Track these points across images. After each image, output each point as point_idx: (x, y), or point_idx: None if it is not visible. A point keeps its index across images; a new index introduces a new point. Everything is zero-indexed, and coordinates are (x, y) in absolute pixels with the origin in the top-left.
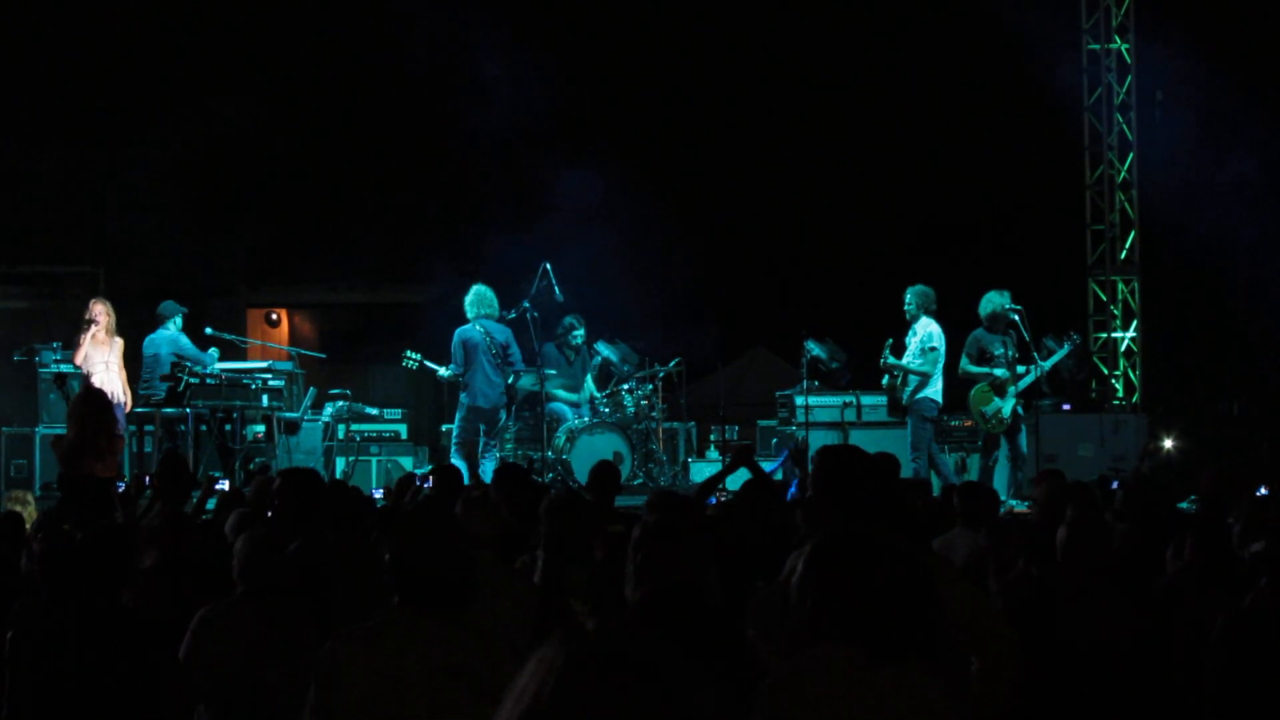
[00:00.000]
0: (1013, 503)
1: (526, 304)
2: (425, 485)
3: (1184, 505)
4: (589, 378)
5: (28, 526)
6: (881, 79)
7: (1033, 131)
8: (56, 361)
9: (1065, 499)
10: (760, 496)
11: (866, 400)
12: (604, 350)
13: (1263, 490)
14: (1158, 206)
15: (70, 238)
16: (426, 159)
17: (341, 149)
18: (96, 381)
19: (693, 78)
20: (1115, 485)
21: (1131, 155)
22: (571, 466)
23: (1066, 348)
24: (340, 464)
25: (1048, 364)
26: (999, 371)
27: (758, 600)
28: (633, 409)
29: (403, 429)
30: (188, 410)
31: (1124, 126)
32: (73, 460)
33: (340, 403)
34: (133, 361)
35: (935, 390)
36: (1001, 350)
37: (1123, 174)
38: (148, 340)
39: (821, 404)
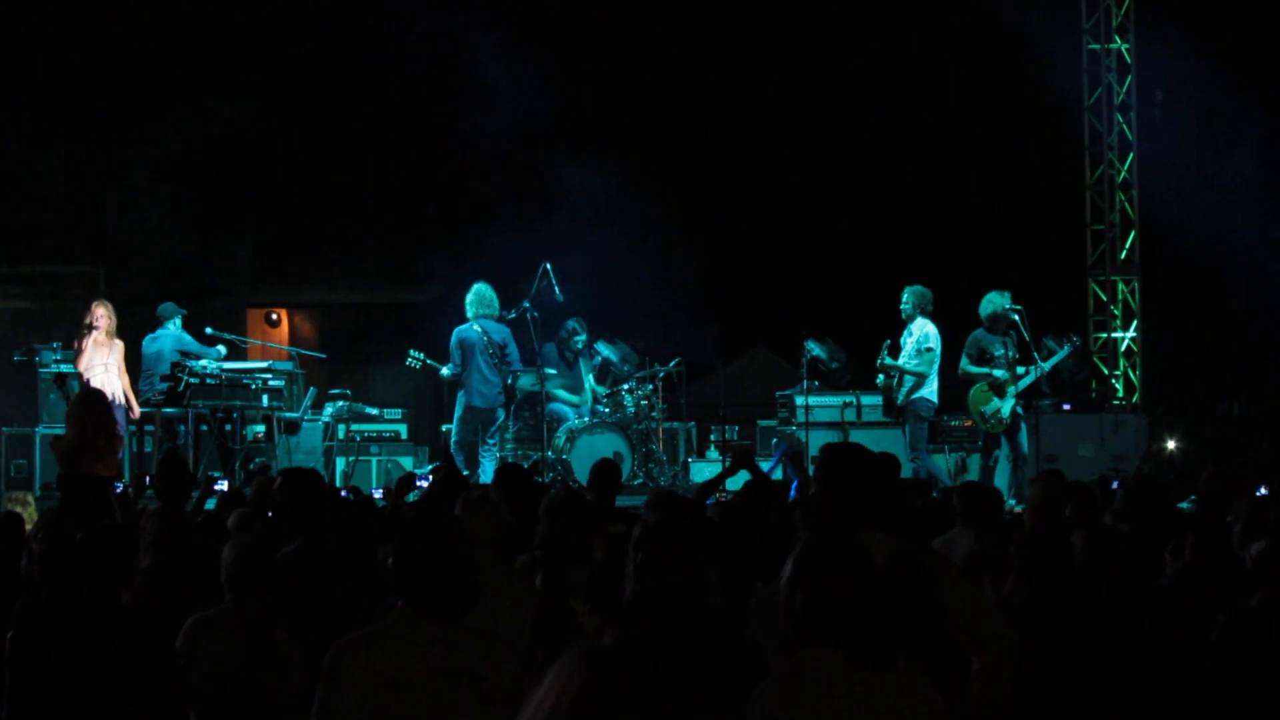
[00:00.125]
0: (1013, 503)
1: (527, 304)
2: (422, 484)
3: (1184, 505)
4: (590, 377)
5: (28, 527)
6: (882, 79)
7: (1033, 131)
8: (56, 362)
9: (1059, 501)
10: (760, 497)
11: (866, 400)
12: (604, 350)
13: (1263, 490)
14: (1158, 206)
15: (70, 238)
16: (426, 159)
17: (341, 149)
18: (96, 383)
19: (693, 78)
20: (1115, 485)
21: (1131, 155)
22: (571, 466)
23: (1067, 349)
24: (340, 464)
25: (1048, 365)
26: (998, 372)
27: (758, 600)
28: (633, 409)
29: (403, 429)
30: (188, 410)
31: (1124, 126)
32: (72, 460)
33: (340, 403)
34: (132, 362)
35: (931, 391)
36: (1001, 351)
37: (1123, 174)
38: (148, 339)
39: (821, 404)
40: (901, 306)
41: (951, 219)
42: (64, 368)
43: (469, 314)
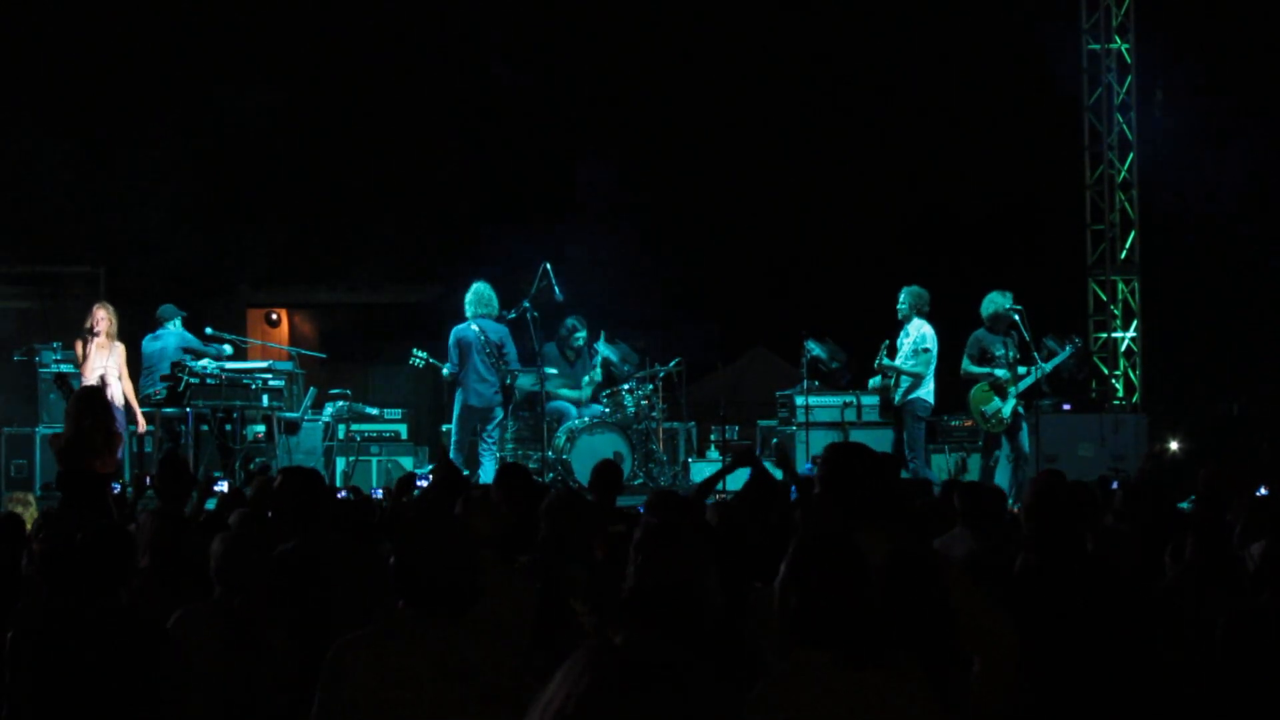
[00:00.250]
0: (1014, 503)
1: (527, 304)
2: (422, 483)
3: (1184, 505)
4: (587, 380)
5: (28, 528)
6: (882, 79)
7: (1033, 131)
8: (57, 361)
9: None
10: (760, 496)
11: (867, 400)
12: (604, 350)
13: (1263, 490)
14: (1158, 206)
15: (71, 237)
16: (426, 159)
17: (342, 149)
18: (94, 383)
19: (694, 77)
20: (1115, 486)
21: (1132, 155)
22: (572, 466)
23: (1068, 350)
24: (340, 464)
25: (1049, 365)
26: (1000, 372)
27: (756, 599)
28: (633, 409)
29: (403, 429)
30: (188, 410)
31: (1124, 126)
32: (69, 456)
33: (340, 403)
34: (132, 362)
35: (927, 391)
36: (1002, 351)
37: (1123, 174)
38: (150, 338)
39: (821, 404)
40: (898, 307)
41: (952, 219)
42: (64, 368)
43: (467, 313)
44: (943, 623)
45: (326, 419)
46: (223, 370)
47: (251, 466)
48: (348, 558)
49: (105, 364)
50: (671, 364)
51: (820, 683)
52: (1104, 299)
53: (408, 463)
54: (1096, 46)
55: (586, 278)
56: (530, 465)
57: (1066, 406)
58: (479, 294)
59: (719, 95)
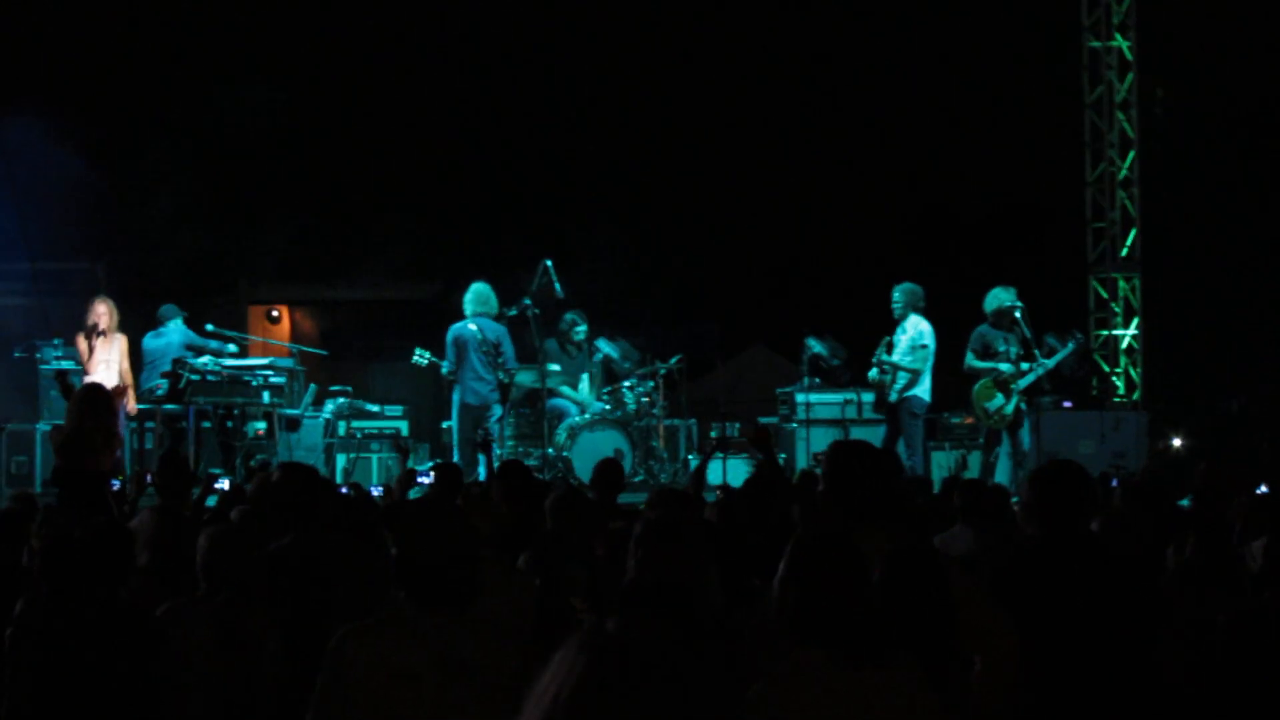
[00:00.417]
0: (1015, 500)
1: (527, 300)
2: (423, 480)
3: (1184, 503)
4: (585, 377)
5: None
6: (883, 77)
7: (1034, 129)
8: (57, 358)
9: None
10: (760, 493)
11: (867, 397)
12: (605, 347)
13: (1263, 488)
14: (1159, 204)
15: (71, 233)
16: (428, 158)
17: (344, 148)
18: (97, 379)
19: (696, 77)
20: (1115, 483)
21: (1133, 153)
22: (572, 463)
23: (1070, 346)
24: (341, 461)
25: (1051, 362)
26: (1004, 367)
27: (755, 596)
28: (633, 406)
29: (404, 426)
30: (189, 407)
31: (1125, 124)
32: (68, 453)
33: (341, 400)
34: (133, 358)
35: (924, 389)
36: (1005, 347)
37: (1124, 171)
38: (152, 335)
39: (822, 401)
40: (893, 305)
41: (953, 217)
42: (65, 364)
43: (466, 312)
44: (944, 622)
45: (327, 416)
46: (224, 367)
47: (252, 463)
48: (346, 554)
49: (108, 358)
50: (672, 361)
51: (819, 682)
52: (1105, 296)
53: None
54: (1097, 44)
55: (588, 275)
56: (530, 463)
57: (1067, 404)
58: (477, 293)
59: (721, 94)
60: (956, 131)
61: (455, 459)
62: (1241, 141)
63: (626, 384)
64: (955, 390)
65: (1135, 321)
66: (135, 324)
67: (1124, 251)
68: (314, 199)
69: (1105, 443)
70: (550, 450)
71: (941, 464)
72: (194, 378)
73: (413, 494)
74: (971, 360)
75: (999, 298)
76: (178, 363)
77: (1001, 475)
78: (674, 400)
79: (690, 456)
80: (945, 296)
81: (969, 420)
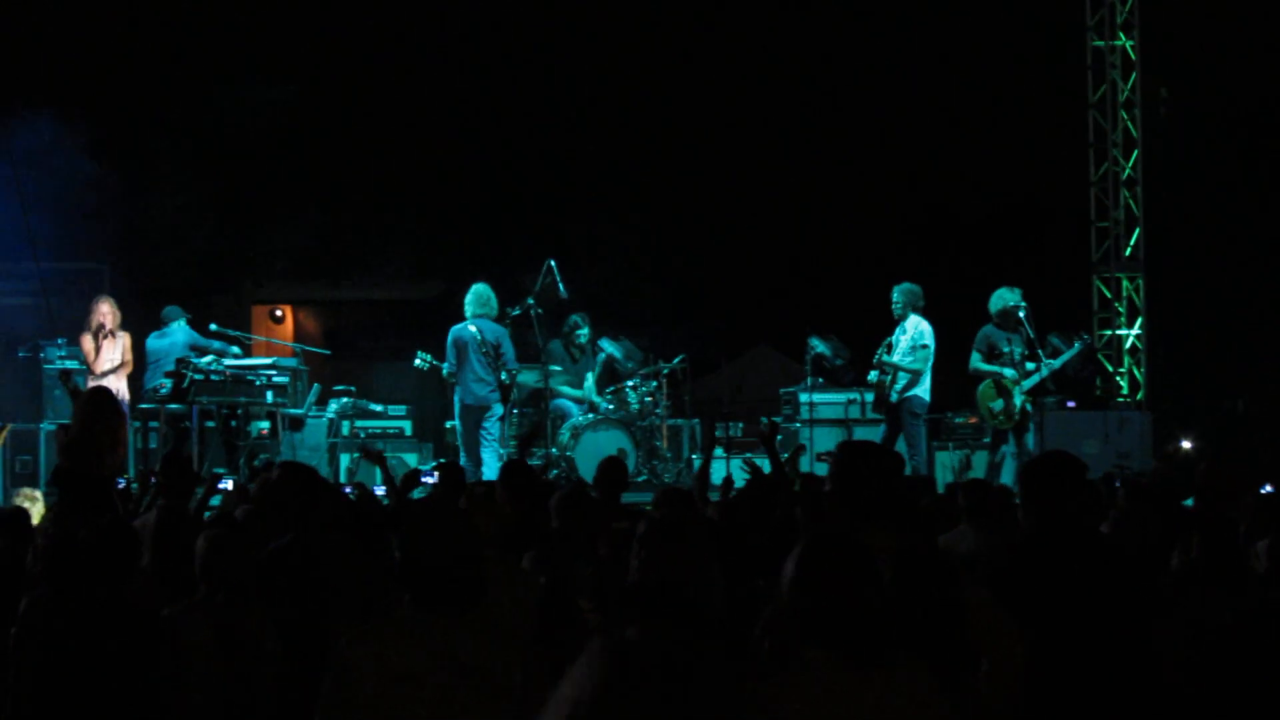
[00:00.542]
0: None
1: (531, 301)
2: (427, 480)
3: (1187, 503)
4: (590, 377)
5: (35, 523)
6: (886, 76)
7: (1037, 129)
8: (61, 358)
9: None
10: (763, 493)
11: (871, 397)
12: (608, 347)
13: (1267, 488)
14: (1162, 203)
15: (76, 234)
16: (432, 158)
17: (348, 148)
18: (102, 379)
19: (699, 77)
20: (1118, 484)
21: (1136, 152)
22: (576, 463)
23: (1076, 347)
24: (345, 460)
25: (1056, 363)
26: (1008, 372)
27: (758, 596)
28: (637, 406)
29: (407, 425)
30: (193, 406)
31: (1128, 123)
32: (73, 455)
33: (345, 399)
34: (137, 359)
35: (924, 389)
36: (1009, 348)
37: (1127, 171)
38: (155, 335)
39: (825, 401)
40: (893, 305)
41: (956, 217)
42: (69, 364)
43: (466, 313)
44: (952, 623)
45: (331, 415)
46: (227, 367)
47: (256, 463)
48: (346, 554)
49: (112, 356)
50: (675, 361)
51: (827, 682)
52: (1108, 296)
53: (412, 459)
54: (1101, 44)
55: (591, 275)
56: (534, 462)
57: (1071, 404)
58: (477, 294)
59: (724, 94)
60: (960, 131)
61: (460, 460)
62: (1245, 141)
63: (630, 384)
64: (959, 390)
65: (1139, 321)
66: (139, 324)
67: (1127, 251)
68: (318, 199)
69: (1109, 443)
70: (554, 450)
71: (945, 464)
72: (197, 377)
73: (416, 494)
74: (977, 362)
75: (1004, 298)
76: (181, 362)
77: (1007, 476)
78: (677, 400)
79: (694, 456)
80: (949, 297)
81: (973, 420)
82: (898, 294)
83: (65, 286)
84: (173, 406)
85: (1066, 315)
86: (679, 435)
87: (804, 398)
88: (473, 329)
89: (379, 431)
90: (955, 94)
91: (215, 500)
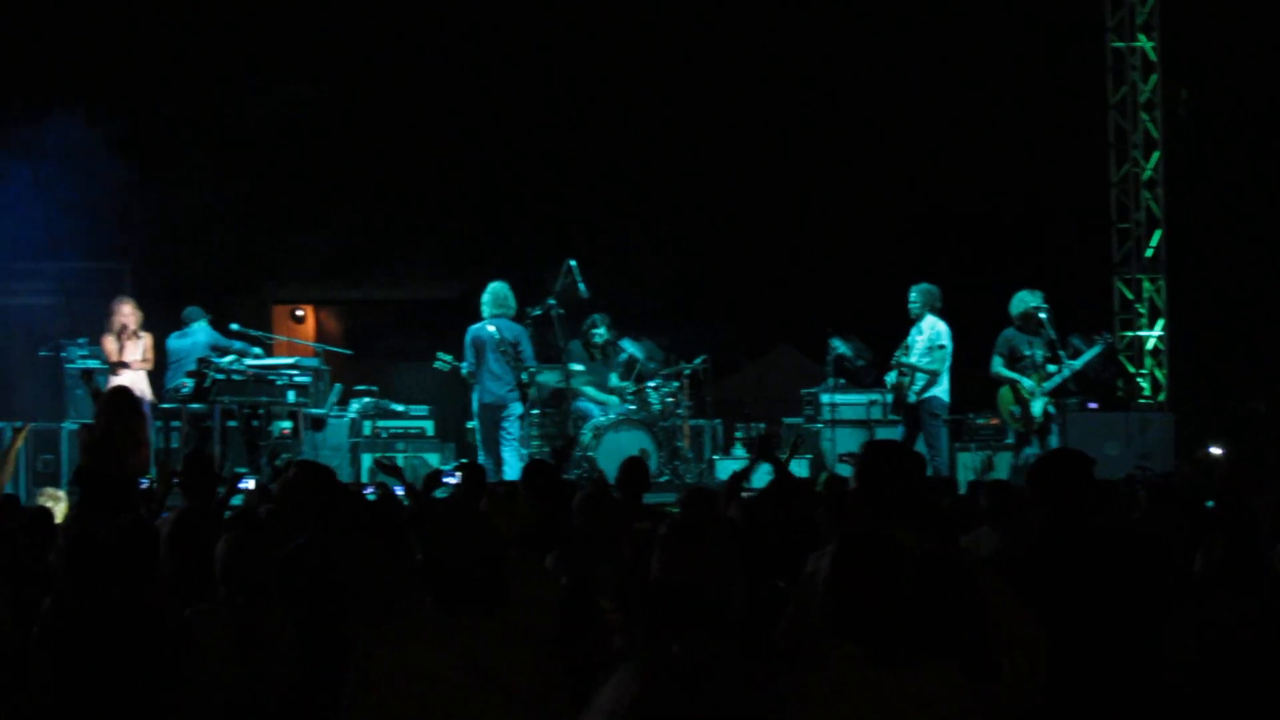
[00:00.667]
0: None
1: (552, 300)
2: (449, 480)
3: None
4: (614, 375)
5: (59, 523)
6: (905, 77)
7: (1057, 130)
8: (82, 357)
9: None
10: (783, 494)
11: (892, 398)
12: (629, 347)
13: None
14: (1184, 204)
15: (98, 234)
16: (451, 156)
17: (368, 147)
18: (124, 380)
19: (719, 75)
20: (1140, 485)
21: (1157, 154)
22: (597, 463)
23: (1099, 347)
24: (366, 461)
25: (1078, 363)
26: (1025, 382)
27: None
28: (658, 406)
29: (429, 425)
30: (214, 406)
31: (1149, 125)
32: (95, 455)
33: (366, 399)
34: (158, 359)
35: (943, 390)
36: (1030, 350)
37: (1148, 172)
38: (177, 335)
39: (847, 402)
40: (910, 305)
41: (976, 219)
42: (90, 363)
43: (484, 313)
44: (974, 624)
45: (353, 415)
46: (249, 366)
47: (278, 462)
48: (365, 554)
49: (133, 358)
50: (697, 361)
51: (857, 678)
52: (1129, 298)
53: (434, 459)
54: (1121, 45)
55: (612, 275)
56: (574, 473)
57: (1093, 405)
58: (495, 294)
59: (747, 94)
60: (980, 133)
61: (481, 459)
62: (1267, 142)
63: (651, 384)
64: (981, 392)
65: (1160, 323)
66: (161, 324)
67: (1149, 252)
68: (339, 199)
69: (1131, 444)
70: (576, 451)
71: (967, 465)
72: (219, 377)
73: (438, 494)
74: (998, 366)
75: (1025, 300)
76: (202, 362)
77: None
78: (699, 400)
79: (715, 456)
80: (969, 299)
81: (995, 421)
82: (916, 294)
83: (87, 286)
84: (194, 406)
85: (1088, 317)
86: (701, 436)
87: (825, 398)
88: (490, 328)
89: (400, 431)
90: (976, 96)
91: (236, 500)
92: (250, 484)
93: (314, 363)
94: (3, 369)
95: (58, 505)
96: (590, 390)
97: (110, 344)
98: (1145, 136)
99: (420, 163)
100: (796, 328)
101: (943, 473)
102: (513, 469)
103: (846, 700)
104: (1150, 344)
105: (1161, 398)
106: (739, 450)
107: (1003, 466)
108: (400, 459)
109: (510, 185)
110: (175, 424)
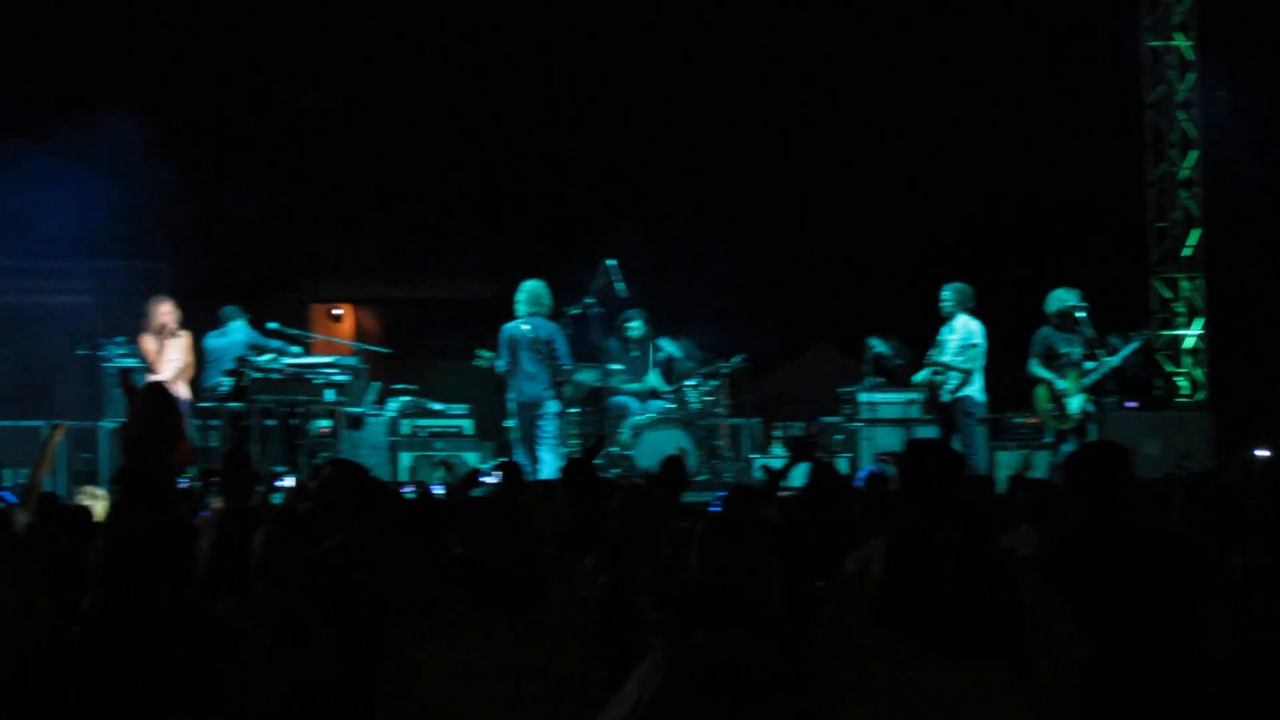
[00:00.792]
0: None
1: (590, 299)
2: (486, 480)
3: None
4: (654, 373)
5: (98, 521)
6: (942, 76)
7: (1094, 129)
8: (120, 356)
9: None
10: (822, 493)
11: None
12: (668, 346)
13: None
14: (1222, 203)
15: (136, 232)
16: (490, 155)
17: (405, 146)
18: (161, 378)
19: (753, 71)
20: (1179, 485)
21: (1193, 152)
22: (635, 462)
23: (1135, 343)
24: (405, 459)
25: (1116, 359)
26: (1059, 383)
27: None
28: (697, 405)
29: (467, 424)
30: (252, 405)
31: (1186, 124)
32: (133, 452)
33: (405, 398)
34: (197, 358)
35: (976, 388)
36: (1068, 349)
37: (1185, 171)
38: (215, 334)
39: (885, 400)
40: (942, 304)
41: (1013, 217)
42: (128, 362)
43: (519, 311)
44: (1014, 622)
45: (391, 414)
46: (287, 365)
47: (316, 461)
48: (400, 552)
49: (173, 357)
50: (735, 360)
51: (908, 672)
52: (1167, 296)
53: (472, 458)
54: (1157, 44)
55: (650, 274)
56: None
57: (1132, 404)
58: (530, 292)
59: (785, 93)
60: (1017, 133)
61: (517, 456)
62: None
63: (690, 383)
64: (1019, 391)
65: (1199, 322)
66: (198, 323)
67: (1187, 251)
68: (377, 199)
69: (1171, 444)
70: (614, 449)
71: (1006, 464)
72: (257, 376)
73: (476, 493)
74: (1035, 365)
75: (1061, 299)
76: (240, 360)
77: None
78: (737, 399)
79: (753, 456)
80: (1008, 299)
81: (1033, 420)
82: (949, 292)
83: (125, 285)
84: (232, 405)
85: (1125, 316)
86: (739, 435)
87: (863, 397)
88: (525, 326)
89: (439, 430)
90: (1012, 95)
91: (276, 499)
92: (289, 482)
93: (352, 361)
94: (41, 368)
95: (97, 503)
96: (629, 387)
97: (149, 343)
98: (1182, 136)
99: (459, 162)
100: (834, 327)
101: (979, 471)
102: (549, 468)
103: (898, 694)
104: (1189, 343)
105: (1200, 397)
106: (777, 449)
107: (1042, 465)
108: (438, 457)
109: (549, 184)
110: (213, 423)
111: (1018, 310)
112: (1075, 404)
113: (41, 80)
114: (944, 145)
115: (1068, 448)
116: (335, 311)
